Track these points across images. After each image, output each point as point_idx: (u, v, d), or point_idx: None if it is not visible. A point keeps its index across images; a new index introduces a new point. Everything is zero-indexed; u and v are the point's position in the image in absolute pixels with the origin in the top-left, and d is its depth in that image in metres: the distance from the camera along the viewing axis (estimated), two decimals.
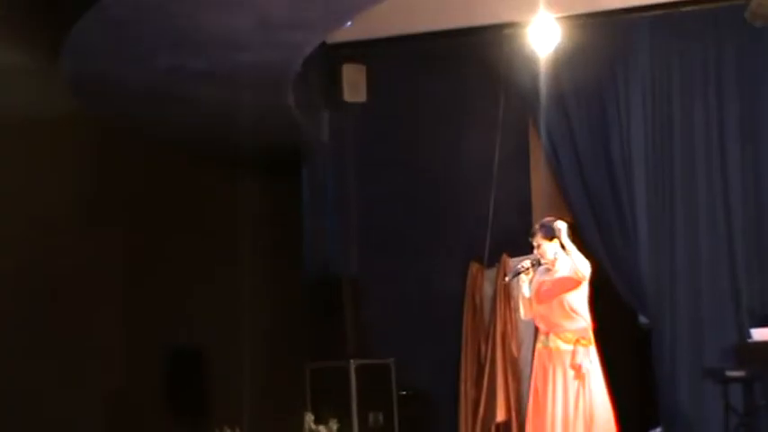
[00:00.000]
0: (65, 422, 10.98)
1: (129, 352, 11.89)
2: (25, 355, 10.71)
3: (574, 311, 8.71)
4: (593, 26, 11.24)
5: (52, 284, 11.06)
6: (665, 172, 11.18)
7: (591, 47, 11.18)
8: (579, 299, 8.75)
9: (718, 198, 11.02)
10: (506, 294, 11.30)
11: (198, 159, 12.32)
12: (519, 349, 11.30)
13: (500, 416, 11.26)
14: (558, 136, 11.50)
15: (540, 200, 11.60)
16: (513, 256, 11.07)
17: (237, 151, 11.66)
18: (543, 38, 10.32)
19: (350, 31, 10.97)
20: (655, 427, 10.91)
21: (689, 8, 11.14)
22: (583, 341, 8.69)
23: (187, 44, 9.63)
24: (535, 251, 8.85)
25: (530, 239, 8.91)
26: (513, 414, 11.20)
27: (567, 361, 8.65)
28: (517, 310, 9.57)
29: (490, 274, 11.52)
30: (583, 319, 8.74)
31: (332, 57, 11.97)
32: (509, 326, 11.34)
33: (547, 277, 8.82)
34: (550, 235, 8.79)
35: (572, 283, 8.71)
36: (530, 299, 8.84)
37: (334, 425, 9.72)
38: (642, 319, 11.57)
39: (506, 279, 10.22)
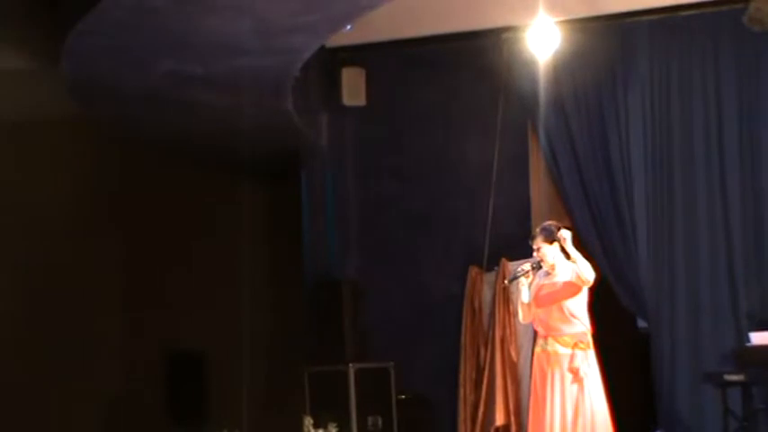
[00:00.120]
0: (65, 423, 11.01)
1: (130, 355, 11.91)
2: (25, 356, 10.73)
3: (573, 315, 8.71)
4: (593, 30, 11.24)
5: (52, 289, 11.09)
6: (664, 176, 11.18)
7: (590, 51, 11.19)
8: (578, 303, 8.75)
9: (718, 202, 11.02)
10: (506, 298, 11.29)
11: (197, 163, 12.33)
12: (518, 353, 11.29)
13: (499, 420, 11.25)
14: (558, 140, 11.50)
15: (540, 204, 11.60)
16: (512, 260, 11.06)
17: (237, 155, 11.66)
18: (543, 42, 10.31)
19: (349, 34, 10.98)
20: (654, 430, 10.91)
21: (688, 12, 11.14)
22: (581, 345, 8.69)
23: (186, 49, 9.63)
24: (535, 254, 8.85)
25: (530, 242, 8.91)
26: (513, 418, 11.20)
27: (566, 364, 8.65)
28: (516, 314, 9.58)
29: (489, 278, 11.51)
30: (581, 324, 8.74)
31: (331, 60, 11.98)
32: (508, 330, 11.33)
33: (546, 281, 8.82)
34: (551, 238, 8.78)
35: (574, 289, 8.70)
36: (529, 303, 8.84)
37: (333, 428, 9.73)
38: (641, 324, 11.57)
39: (506, 282, 10.22)
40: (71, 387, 11.17)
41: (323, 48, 10.96)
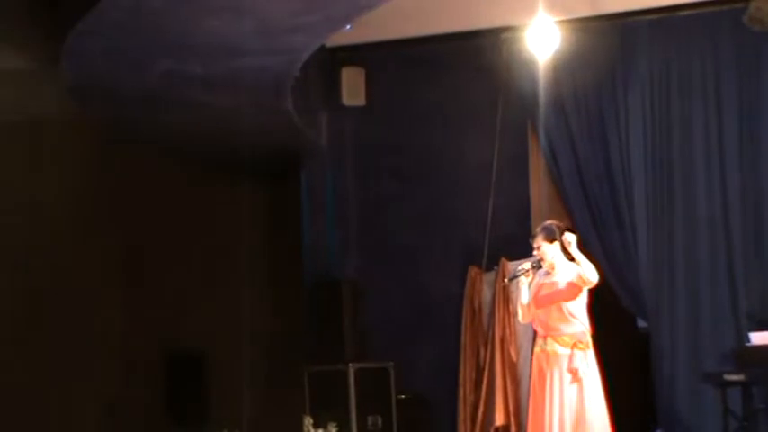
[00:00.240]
0: (65, 423, 11.00)
1: (130, 356, 11.91)
2: (25, 356, 10.73)
3: (572, 315, 8.71)
4: (593, 30, 11.24)
5: (52, 289, 11.08)
6: (664, 176, 11.18)
7: (590, 50, 11.19)
8: (578, 303, 8.74)
9: (717, 202, 11.02)
10: (505, 298, 11.30)
11: (197, 163, 12.33)
12: (518, 353, 11.29)
13: (499, 419, 11.25)
14: (558, 139, 11.51)
15: (540, 204, 11.60)
16: (511, 260, 11.06)
17: (237, 155, 11.67)
18: (542, 41, 10.32)
19: (349, 34, 10.98)
20: (654, 430, 10.91)
21: (688, 12, 11.14)
22: (580, 345, 8.69)
23: (186, 49, 9.63)
24: (535, 253, 8.85)
25: (530, 241, 8.91)
26: (512, 418, 11.20)
27: (565, 364, 8.64)
28: (516, 313, 9.58)
29: (489, 277, 11.52)
30: (581, 323, 8.73)
31: (331, 60, 11.99)
32: (508, 330, 11.33)
33: (546, 280, 8.82)
34: (551, 237, 8.78)
35: (575, 290, 8.69)
36: (528, 304, 8.83)
37: (333, 428, 9.75)
38: (641, 324, 11.57)
39: (506, 280, 10.22)
40: (71, 387, 11.17)
41: (323, 47, 10.97)
